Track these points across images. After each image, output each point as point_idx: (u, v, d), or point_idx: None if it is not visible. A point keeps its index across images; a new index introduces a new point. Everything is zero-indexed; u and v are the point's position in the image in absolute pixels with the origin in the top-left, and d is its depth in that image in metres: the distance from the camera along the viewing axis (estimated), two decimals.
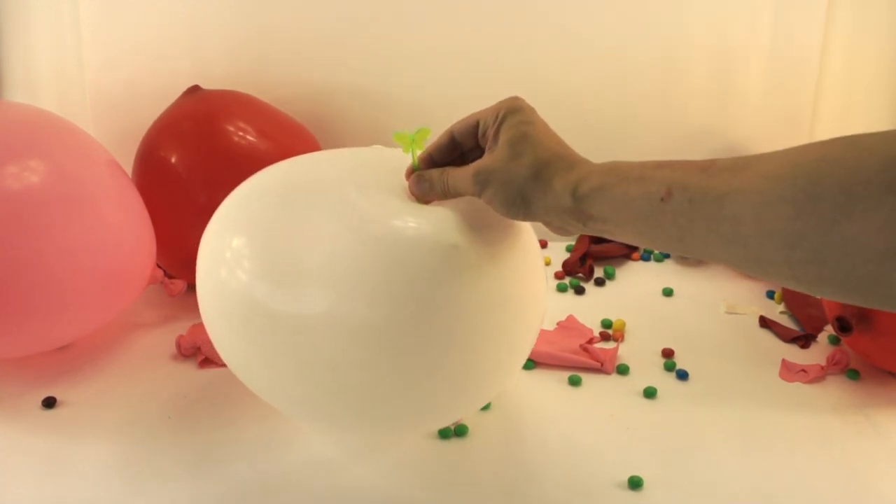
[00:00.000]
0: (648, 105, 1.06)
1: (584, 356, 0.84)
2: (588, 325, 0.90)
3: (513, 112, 0.63)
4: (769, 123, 1.07)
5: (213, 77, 0.98)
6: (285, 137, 0.92)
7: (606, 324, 0.91)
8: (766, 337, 0.90)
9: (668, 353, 0.86)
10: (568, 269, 1.02)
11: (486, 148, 0.64)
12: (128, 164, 0.90)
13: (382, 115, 1.04)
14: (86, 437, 0.74)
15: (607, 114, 1.05)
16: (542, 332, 0.89)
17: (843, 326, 0.80)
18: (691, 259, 1.03)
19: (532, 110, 0.64)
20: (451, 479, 0.69)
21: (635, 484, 0.68)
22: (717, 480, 0.70)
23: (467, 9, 1.01)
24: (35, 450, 0.72)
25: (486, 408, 0.78)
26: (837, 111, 1.07)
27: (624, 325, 0.90)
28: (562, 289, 0.99)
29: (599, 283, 1.00)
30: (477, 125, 0.65)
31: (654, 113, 1.06)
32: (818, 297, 0.52)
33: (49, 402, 0.77)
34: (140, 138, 0.92)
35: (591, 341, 0.87)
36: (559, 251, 1.05)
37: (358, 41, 1.02)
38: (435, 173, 0.66)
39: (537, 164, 0.60)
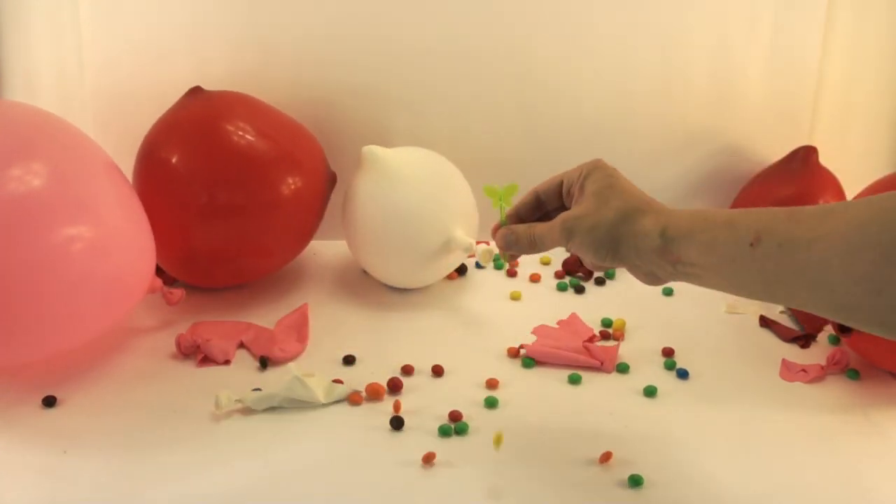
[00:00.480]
0: (648, 105, 1.05)
1: (584, 355, 0.84)
2: (588, 324, 0.90)
3: (596, 169, 0.66)
4: (769, 123, 1.06)
5: (214, 78, 0.97)
6: (287, 138, 0.92)
7: (606, 323, 0.91)
8: (766, 337, 0.90)
9: (668, 353, 0.86)
10: (568, 268, 1.02)
11: (574, 202, 0.66)
12: (128, 165, 0.90)
13: (382, 115, 1.04)
14: (85, 437, 0.73)
15: (607, 114, 1.05)
16: (544, 329, 0.89)
17: (843, 327, 0.80)
18: None
19: (615, 169, 0.66)
20: (450, 477, 0.69)
21: (635, 483, 0.68)
22: (717, 480, 0.69)
23: (467, 9, 1.01)
24: (35, 450, 0.72)
25: (486, 406, 0.78)
26: (837, 111, 1.07)
27: (624, 324, 0.90)
28: (562, 288, 0.99)
29: (599, 282, 1.00)
30: (561, 184, 0.68)
31: (654, 113, 1.06)
32: None
33: (49, 402, 0.77)
34: (140, 139, 0.92)
35: (591, 340, 0.87)
36: (559, 251, 1.04)
37: (358, 41, 1.02)
38: (521, 228, 0.69)
39: (625, 207, 0.63)
